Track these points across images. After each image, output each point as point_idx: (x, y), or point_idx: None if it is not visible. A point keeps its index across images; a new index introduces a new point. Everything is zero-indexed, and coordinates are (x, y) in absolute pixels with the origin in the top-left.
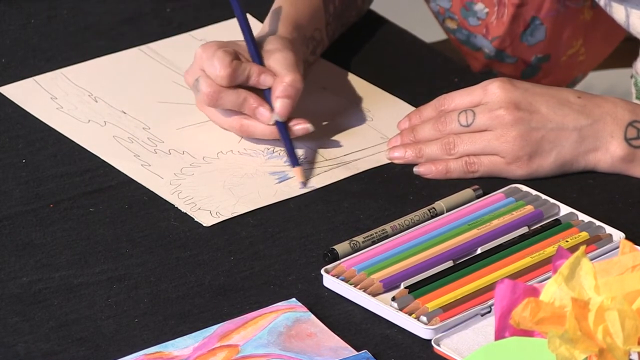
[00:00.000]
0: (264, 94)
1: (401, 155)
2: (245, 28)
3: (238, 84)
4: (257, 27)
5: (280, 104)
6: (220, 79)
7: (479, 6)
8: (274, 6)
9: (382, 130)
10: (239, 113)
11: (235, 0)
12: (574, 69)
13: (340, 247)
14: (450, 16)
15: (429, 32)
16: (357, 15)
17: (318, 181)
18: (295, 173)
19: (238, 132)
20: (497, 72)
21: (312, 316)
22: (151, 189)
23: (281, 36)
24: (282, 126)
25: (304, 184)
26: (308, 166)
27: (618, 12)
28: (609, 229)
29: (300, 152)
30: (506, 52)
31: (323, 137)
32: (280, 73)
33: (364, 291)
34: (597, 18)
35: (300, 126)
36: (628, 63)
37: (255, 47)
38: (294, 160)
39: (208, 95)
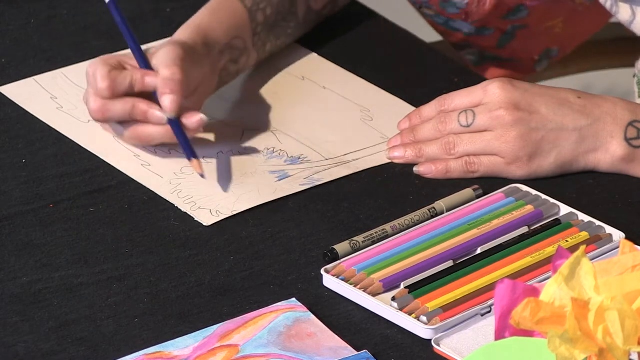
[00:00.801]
0: (154, 97)
1: (401, 155)
2: (128, 34)
3: (124, 92)
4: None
5: (165, 100)
6: (101, 91)
7: None
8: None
9: (382, 130)
10: (133, 122)
11: (114, 6)
12: (547, 38)
13: (340, 247)
14: (427, 7)
15: (429, 32)
16: (297, 27)
17: (317, 180)
18: (193, 166)
19: (138, 141)
20: (473, 44)
21: (312, 316)
22: (151, 188)
23: (171, 39)
24: (175, 122)
25: (203, 175)
26: (308, 165)
27: (623, 12)
28: (609, 229)
29: (300, 151)
30: (487, 26)
31: (323, 136)
32: (159, 70)
33: (364, 291)
34: (587, 6)
35: (193, 119)
36: (628, 63)
37: (140, 52)
38: (190, 153)
39: (95, 111)
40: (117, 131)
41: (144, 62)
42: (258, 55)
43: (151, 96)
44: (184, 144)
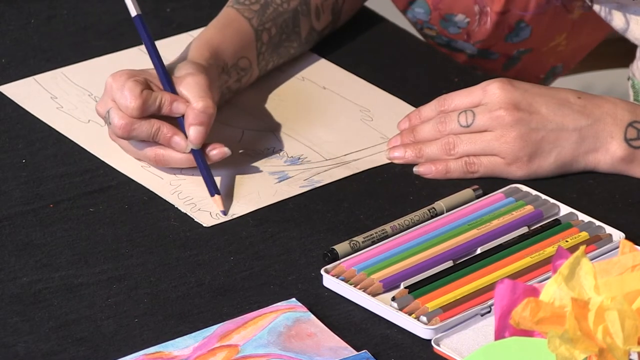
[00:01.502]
0: (178, 122)
1: (401, 155)
2: (154, 55)
3: (150, 113)
4: None
5: (193, 132)
6: (131, 110)
7: (459, 17)
8: (200, 33)
9: (382, 130)
10: (152, 143)
11: (142, 26)
12: (551, 58)
13: (340, 247)
14: (429, 27)
15: None
16: (299, 47)
17: (317, 182)
18: (215, 202)
19: (153, 162)
20: (478, 67)
21: (312, 316)
22: (151, 189)
23: (193, 61)
24: (198, 154)
25: (225, 212)
26: (308, 165)
27: (617, 20)
28: (609, 229)
29: (300, 151)
30: (490, 50)
31: (323, 137)
32: (192, 100)
33: (364, 291)
34: (586, 16)
35: (216, 151)
36: (628, 63)
37: (166, 74)
38: (213, 189)
39: (120, 127)
40: (136, 147)
41: (169, 86)
42: (259, 74)
43: (174, 119)
44: (206, 178)
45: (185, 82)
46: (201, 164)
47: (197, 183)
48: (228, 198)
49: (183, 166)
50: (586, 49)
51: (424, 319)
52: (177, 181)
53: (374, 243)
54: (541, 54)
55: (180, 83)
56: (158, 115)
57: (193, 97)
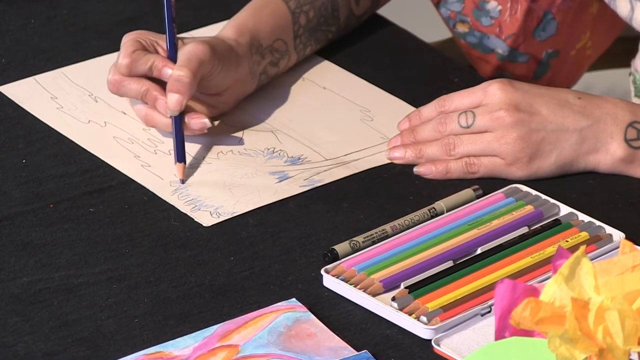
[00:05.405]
0: None
1: (401, 156)
2: (168, 20)
3: (141, 74)
4: None
5: (169, 99)
6: (119, 67)
7: (491, 4)
8: (237, 13)
9: (382, 130)
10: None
11: None
12: (582, 65)
13: (340, 247)
14: (462, 19)
15: (429, 32)
16: (337, 32)
17: (318, 181)
18: (177, 169)
19: (143, 121)
20: (509, 73)
21: (312, 316)
22: (151, 189)
23: (214, 36)
24: (177, 119)
25: (183, 181)
26: (308, 165)
27: (622, 6)
28: (609, 229)
29: (300, 151)
30: (519, 50)
31: (323, 136)
32: (175, 67)
33: (364, 291)
34: (603, 10)
35: (196, 121)
36: (628, 63)
37: (172, 40)
38: (179, 156)
39: (110, 82)
40: (132, 103)
41: (172, 52)
42: (297, 58)
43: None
44: (176, 144)
45: (184, 48)
46: (176, 129)
47: (196, 183)
48: (230, 197)
49: (168, 130)
50: (603, 48)
51: (424, 319)
52: (177, 182)
53: (374, 243)
54: (569, 59)
55: (180, 49)
56: (154, 78)
57: (177, 64)
